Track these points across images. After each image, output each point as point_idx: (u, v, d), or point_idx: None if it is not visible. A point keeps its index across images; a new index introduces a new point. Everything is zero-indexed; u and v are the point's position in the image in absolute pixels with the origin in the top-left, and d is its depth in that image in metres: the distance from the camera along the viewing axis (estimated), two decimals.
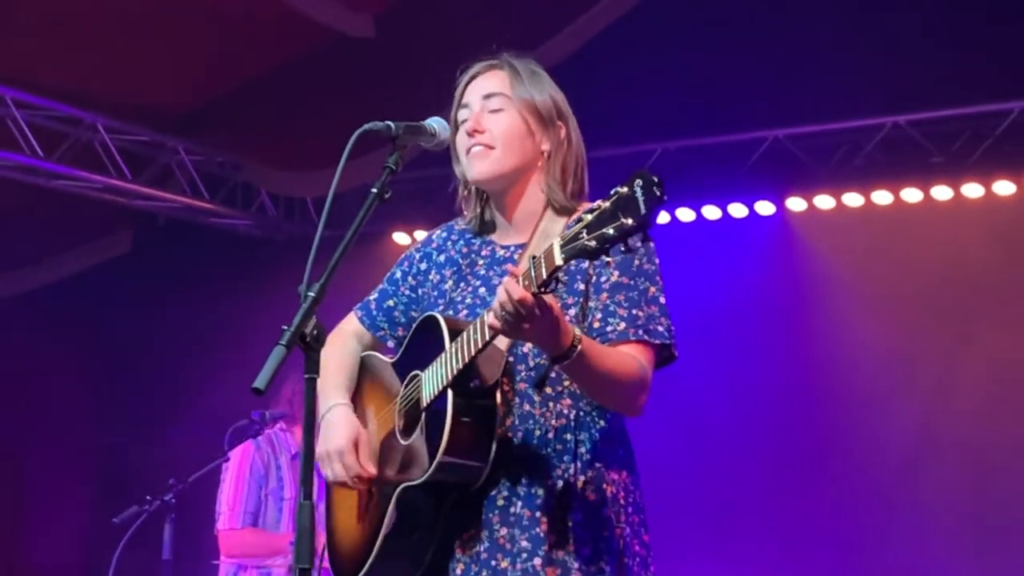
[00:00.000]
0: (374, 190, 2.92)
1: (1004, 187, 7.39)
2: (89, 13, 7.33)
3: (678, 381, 7.82)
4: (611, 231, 2.59)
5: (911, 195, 7.58)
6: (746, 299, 7.89)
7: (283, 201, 9.09)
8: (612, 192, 2.62)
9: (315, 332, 2.74)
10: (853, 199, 7.71)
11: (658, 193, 2.56)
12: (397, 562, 3.08)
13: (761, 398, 7.85)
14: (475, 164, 3.14)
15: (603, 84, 7.66)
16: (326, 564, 3.31)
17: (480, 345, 2.87)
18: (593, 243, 2.61)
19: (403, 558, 3.07)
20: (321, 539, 4.53)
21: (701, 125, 7.84)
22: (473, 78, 3.22)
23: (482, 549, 2.99)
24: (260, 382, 2.65)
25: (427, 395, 3.00)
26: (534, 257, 2.73)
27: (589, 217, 2.63)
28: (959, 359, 7.46)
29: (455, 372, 2.92)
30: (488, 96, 3.16)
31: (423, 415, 3.01)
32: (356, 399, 3.30)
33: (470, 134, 3.14)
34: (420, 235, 8.61)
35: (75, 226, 8.87)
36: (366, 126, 2.95)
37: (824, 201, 7.78)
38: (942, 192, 7.52)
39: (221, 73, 8.20)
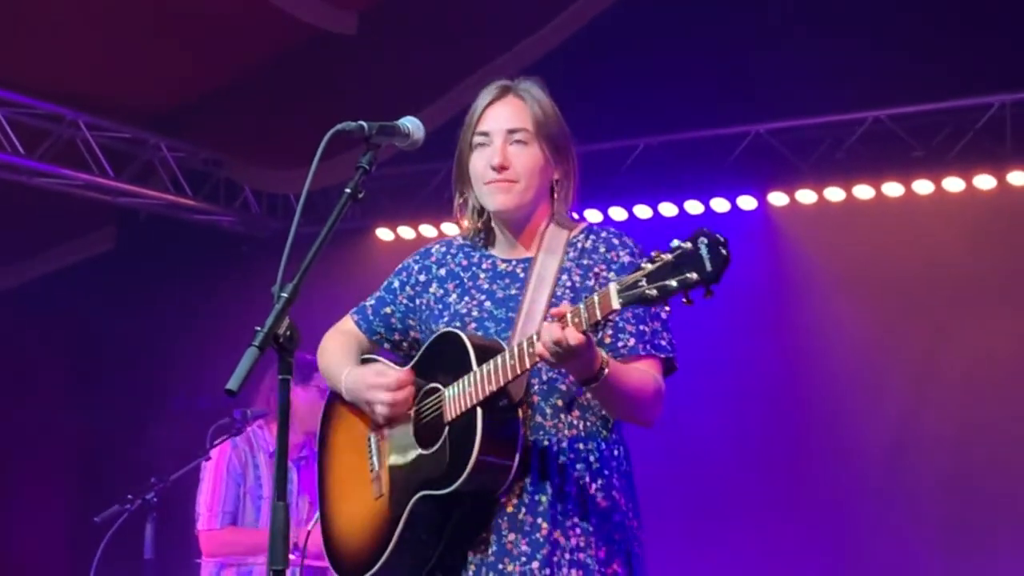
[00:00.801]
0: (347, 190, 2.93)
1: (985, 181, 7.41)
2: (70, 11, 7.32)
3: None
4: (674, 283, 2.71)
5: (892, 189, 7.61)
6: (727, 294, 7.84)
7: (266, 198, 9.09)
8: (673, 246, 2.72)
9: (288, 333, 2.75)
10: (835, 193, 7.73)
11: (724, 253, 2.68)
12: (403, 563, 3.20)
13: (743, 392, 7.87)
14: (497, 196, 3.24)
15: (585, 79, 7.66)
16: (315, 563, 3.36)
17: (519, 372, 3.01)
18: (654, 292, 2.73)
19: (409, 560, 3.20)
20: (301, 536, 4.54)
21: (683, 120, 7.85)
22: (490, 104, 3.29)
23: (491, 552, 3.12)
24: (233, 383, 2.67)
25: (452, 411, 3.11)
26: (586, 299, 2.86)
27: (649, 267, 2.74)
28: (939, 352, 7.49)
29: (487, 394, 3.04)
30: (512, 131, 3.24)
31: (446, 429, 3.12)
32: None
33: (496, 168, 3.22)
34: (404, 231, 8.65)
35: (58, 224, 8.86)
36: (339, 126, 2.96)
37: (806, 196, 7.79)
38: (923, 186, 7.54)
39: (203, 70, 8.19)
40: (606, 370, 2.97)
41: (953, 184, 7.48)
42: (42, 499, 8.90)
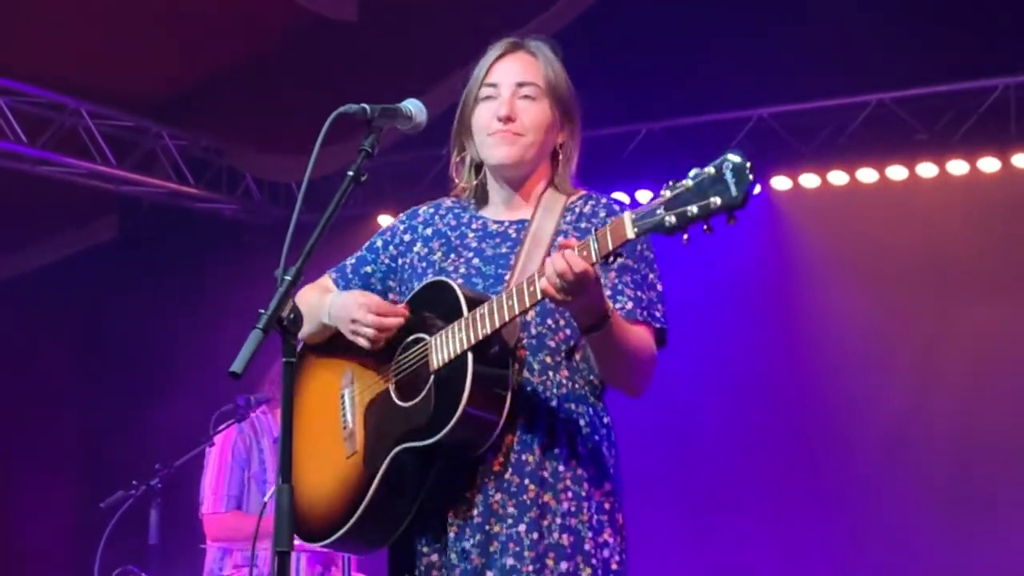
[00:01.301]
0: (350, 173, 2.91)
1: (989, 164, 7.39)
2: (67, 1, 7.32)
3: (660, 360, 7.88)
4: (695, 209, 2.59)
5: (896, 172, 7.59)
6: (731, 278, 7.90)
7: (268, 185, 9.07)
8: (694, 172, 2.62)
9: (292, 316, 2.75)
10: (838, 177, 7.71)
11: (751, 176, 2.56)
12: (375, 525, 3.09)
13: (746, 376, 7.87)
14: (501, 148, 3.15)
15: (588, 64, 7.62)
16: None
17: (518, 311, 2.89)
18: (673, 219, 2.63)
19: (382, 521, 3.08)
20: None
21: (686, 105, 7.84)
22: (500, 57, 3.22)
23: (476, 513, 3.00)
24: (237, 366, 2.67)
25: (439, 359, 2.99)
26: (596, 229, 2.75)
27: (668, 194, 2.63)
28: (943, 335, 7.49)
29: (481, 337, 2.92)
30: (522, 84, 3.18)
31: (431, 378, 3.00)
32: (335, 356, 3.27)
33: (502, 120, 3.14)
34: None
35: (60, 212, 8.86)
36: (341, 109, 2.93)
37: (809, 180, 7.78)
38: (927, 169, 7.52)
39: (204, 57, 8.17)
40: (611, 317, 2.87)
41: (957, 167, 7.46)
42: (47, 486, 8.91)
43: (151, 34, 7.77)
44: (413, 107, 3.07)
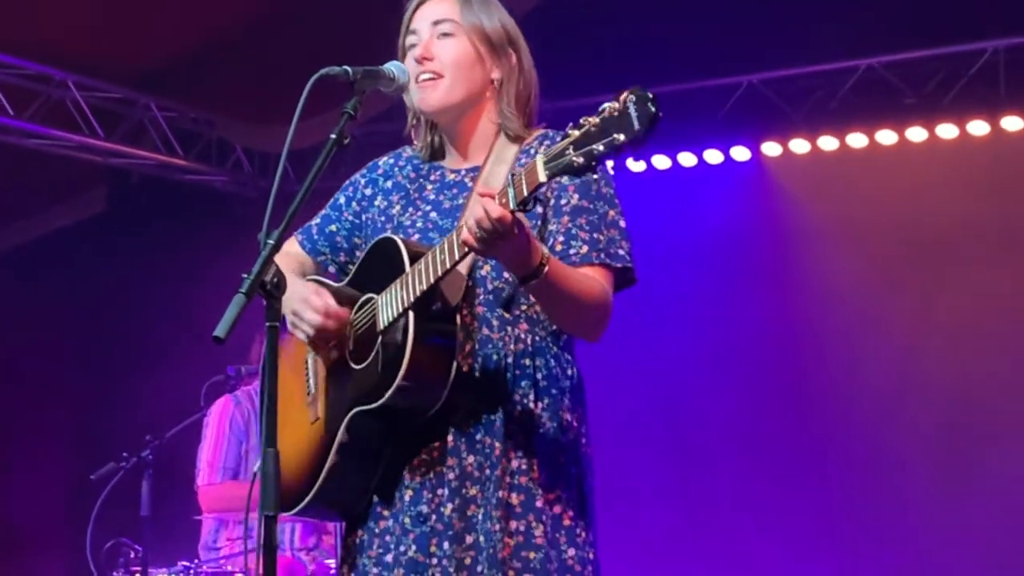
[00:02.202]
0: (332, 136, 2.87)
1: (978, 127, 7.38)
2: None
3: (656, 326, 7.92)
4: (601, 147, 2.56)
5: (886, 137, 7.58)
6: (723, 245, 7.91)
7: (258, 157, 9.05)
8: (601, 108, 2.58)
9: (275, 280, 2.73)
10: (828, 142, 7.70)
11: (652, 109, 2.51)
12: (341, 491, 3.04)
13: (740, 343, 7.89)
14: (424, 95, 3.09)
15: (577, 31, 7.62)
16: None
17: (448, 265, 2.82)
18: (581, 159, 2.58)
19: (348, 486, 3.03)
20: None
21: (676, 72, 7.81)
22: (421, 3, 3.17)
23: (453, 477, 2.95)
24: (220, 330, 2.64)
25: (384, 319, 2.94)
26: (513, 174, 2.71)
27: (576, 133, 2.60)
28: (935, 298, 7.50)
29: (418, 294, 2.86)
30: (437, 22, 3.11)
31: (379, 339, 2.95)
32: None
33: (419, 61, 3.09)
34: None
35: (49, 185, 8.82)
36: (322, 71, 2.90)
37: (799, 145, 7.77)
38: (917, 133, 7.52)
39: (193, 28, 8.12)
40: (547, 266, 2.78)
41: (947, 131, 7.45)
42: (39, 459, 8.90)
43: (139, 4, 7.72)
44: (396, 69, 3.04)
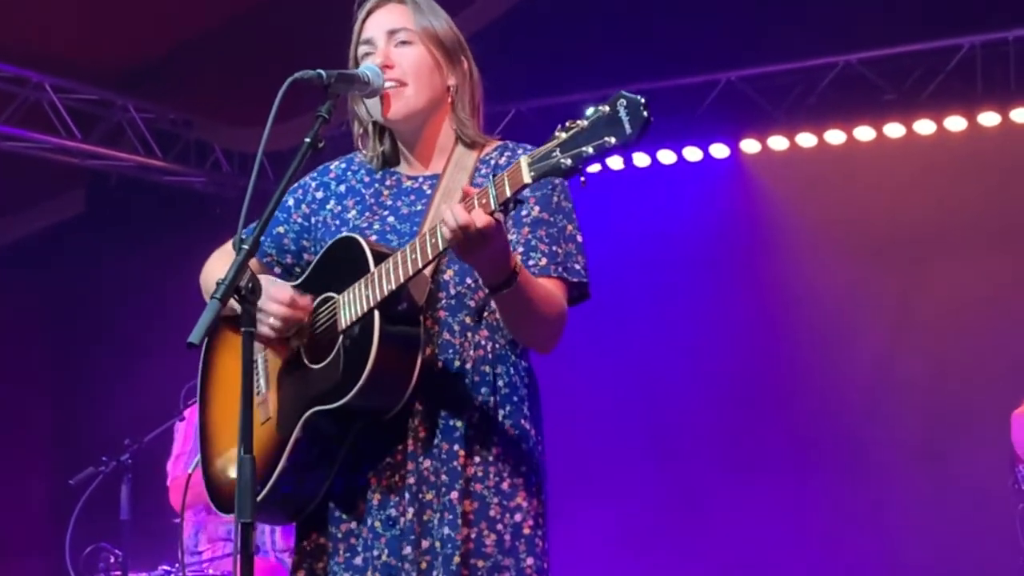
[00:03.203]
0: (307, 140, 2.86)
1: (956, 123, 7.41)
2: None
3: (636, 325, 7.93)
4: (590, 150, 2.54)
5: (864, 133, 7.60)
6: (702, 242, 7.92)
7: (237, 157, 9.01)
8: (589, 111, 2.57)
9: (250, 285, 2.72)
10: (806, 139, 7.73)
11: (644, 113, 2.51)
12: (292, 492, 3.00)
13: (719, 340, 7.90)
14: (388, 104, 3.06)
15: (557, 27, 7.62)
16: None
17: (420, 265, 2.79)
18: (568, 161, 2.56)
19: (299, 487, 3.00)
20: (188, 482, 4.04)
21: (654, 68, 7.81)
22: (371, 12, 3.14)
23: (412, 482, 2.93)
24: (195, 336, 2.64)
25: (346, 318, 2.90)
26: (495, 175, 2.67)
27: (563, 136, 2.58)
28: (914, 294, 7.54)
29: (386, 293, 2.83)
30: (393, 31, 3.09)
31: (340, 338, 2.91)
32: None
33: (381, 69, 3.05)
34: None
35: (26, 188, 8.78)
36: (296, 75, 2.89)
37: (778, 142, 7.78)
38: (895, 129, 7.54)
39: (170, 28, 8.11)
40: (519, 276, 2.77)
41: (924, 127, 7.48)
42: (18, 463, 8.86)
43: (115, 5, 7.70)
44: (370, 72, 3.03)
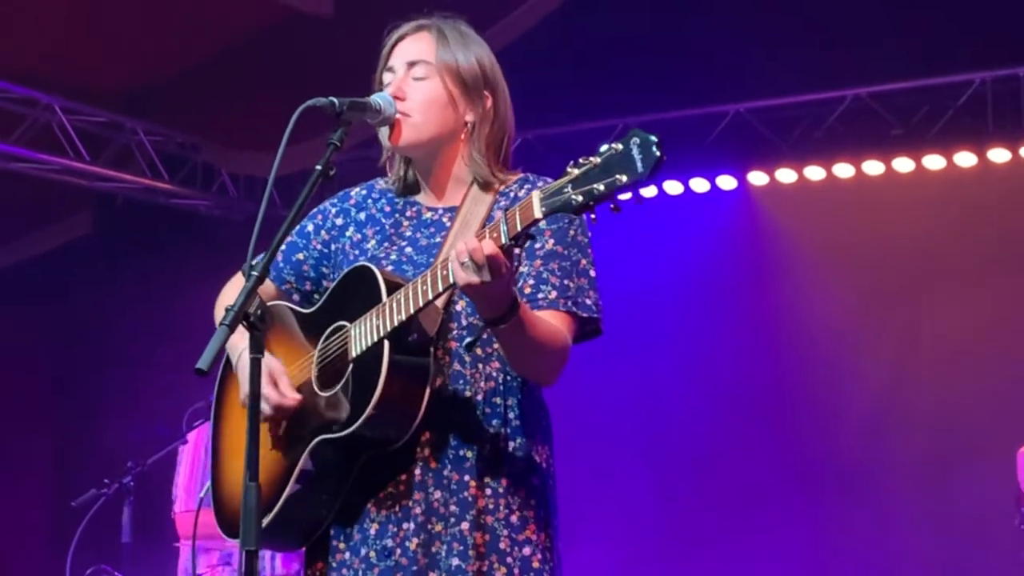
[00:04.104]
0: (318, 168, 2.85)
1: (965, 159, 7.39)
2: None
3: (639, 356, 7.91)
4: (601, 187, 2.52)
5: (872, 167, 7.59)
6: (708, 273, 7.91)
7: (244, 181, 9.03)
8: (603, 148, 2.55)
9: (259, 312, 2.70)
10: (815, 172, 7.72)
11: (657, 153, 2.48)
12: (297, 519, 2.99)
13: (726, 371, 7.88)
14: (394, 131, 3.05)
15: (565, 58, 7.64)
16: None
17: (431, 296, 2.78)
18: (580, 198, 2.54)
19: (304, 515, 2.98)
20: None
21: (663, 99, 7.83)
22: (400, 39, 3.14)
23: (419, 512, 2.90)
24: (203, 363, 2.61)
25: (357, 347, 2.89)
26: (507, 209, 2.66)
27: (575, 172, 2.56)
28: (920, 328, 7.52)
29: (396, 323, 2.82)
30: (412, 63, 3.09)
31: (349, 367, 2.90)
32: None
33: (393, 99, 3.05)
34: None
35: (34, 209, 8.79)
36: (309, 102, 2.88)
37: (786, 175, 7.78)
38: (903, 164, 7.53)
39: (179, 52, 8.12)
40: (517, 311, 2.75)
41: (934, 162, 7.47)
42: (20, 484, 8.85)
43: (126, 28, 7.72)
44: (382, 101, 3.02)
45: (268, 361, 2.96)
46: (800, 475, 7.74)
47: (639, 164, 2.49)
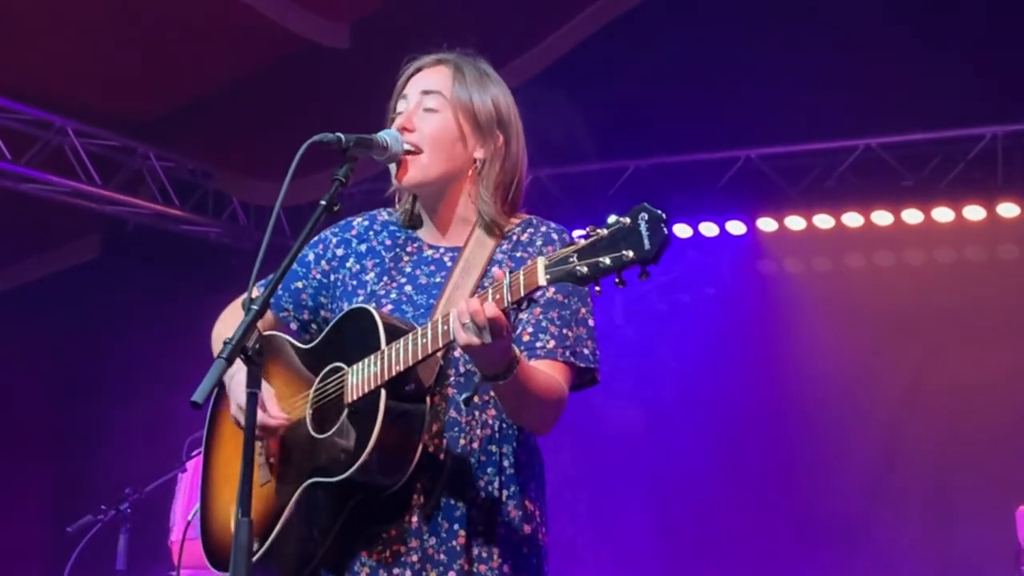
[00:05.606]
0: (323, 203, 2.83)
1: (974, 212, 7.40)
2: (61, 17, 7.28)
3: (650, 398, 7.90)
4: (607, 261, 2.49)
5: (881, 218, 7.60)
6: (715, 316, 7.91)
7: (254, 210, 9.03)
8: (610, 221, 2.51)
9: (257, 346, 2.70)
10: (824, 220, 7.72)
11: (665, 231, 2.45)
12: (286, 557, 2.97)
13: (731, 414, 7.88)
14: (401, 170, 3.02)
15: (577, 100, 7.64)
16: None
17: (430, 351, 2.76)
18: (584, 269, 2.51)
19: (292, 554, 2.96)
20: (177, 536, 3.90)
21: (674, 143, 7.84)
22: (418, 70, 3.12)
23: (416, 560, 2.89)
24: (199, 395, 2.60)
25: (353, 392, 2.87)
26: (511, 272, 2.63)
27: (582, 242, 2.53)
28: (925, 378, 7.51)
29: (393, 374, 2.80)
30: (426, 93, 3.06)
31: (345, 411, 2.88)
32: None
33: (400, 131, 3.03)
34: None
35: (43, 231, 8.80)
36: (316, 137, 2.87)
37: (795, 222, 7.78)
38: (912, 215, 7.54)
39: (193, 80, 8.14)
40: (516, 368, 2.71)
41: (943, 214, 7.47)
42: (16, 509, 8.81)
43: (141, 54, 7.74)
44: (389, 137, 3.01)
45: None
46: (801, 519, 7.73)
47: (646, 242, 2.46)
